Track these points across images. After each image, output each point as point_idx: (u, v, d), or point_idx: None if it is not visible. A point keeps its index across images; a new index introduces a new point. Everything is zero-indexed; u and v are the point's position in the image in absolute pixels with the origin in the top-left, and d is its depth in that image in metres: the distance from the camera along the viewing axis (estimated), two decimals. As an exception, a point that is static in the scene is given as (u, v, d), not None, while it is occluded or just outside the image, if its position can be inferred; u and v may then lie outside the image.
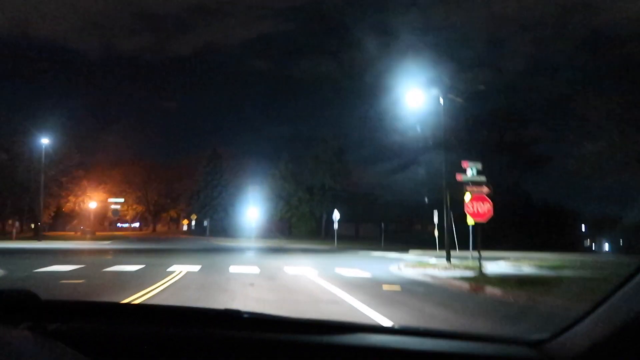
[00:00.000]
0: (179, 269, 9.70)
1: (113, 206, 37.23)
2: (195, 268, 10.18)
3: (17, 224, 31.93)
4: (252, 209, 39.00)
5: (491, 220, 10.77)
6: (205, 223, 42.16)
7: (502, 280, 8.22)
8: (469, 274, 9.71)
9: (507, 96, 38.45)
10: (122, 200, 37.87)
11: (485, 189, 11.53)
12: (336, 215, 30.47)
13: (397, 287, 8.10)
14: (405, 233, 40.12)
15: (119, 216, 38.57)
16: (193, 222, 43.94)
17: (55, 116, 32.24)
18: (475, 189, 11.32)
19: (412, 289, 8.09)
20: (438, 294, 7.80)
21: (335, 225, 30.56)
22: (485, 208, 10.63)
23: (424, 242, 30.09)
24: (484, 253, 10.72)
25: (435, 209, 23.25)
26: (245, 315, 1.16)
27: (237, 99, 63.64)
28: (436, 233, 22.17)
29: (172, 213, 57.04)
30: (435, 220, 22.78)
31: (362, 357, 1.01)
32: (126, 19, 60.06)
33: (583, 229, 42.85)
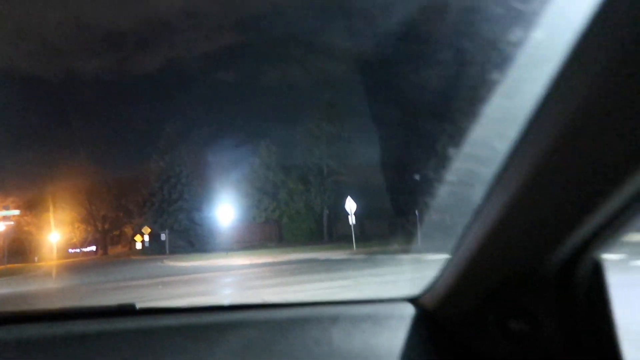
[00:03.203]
0: None
1: (2, 222, 26.54)
2: None
3: None
4: (227, 213, 28.94)
5: None
6: (163, 237, 31.69)
7: None
8: None
9: None
10: (16, 212, 27.19)
11: None
12: (351, 205, 20.89)
13: None
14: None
15: (13, 234, 27.87)
16: (146, 238, 33.21)
17: None
18: None
19: None
20: None
21: (352, 220, 20.96)
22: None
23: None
24: None
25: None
26: (139, 307, 1.25)
27: (204, 112, 57.75)
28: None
29: (128, 229, 46.45)
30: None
31: (244, 331, 1.15)
32: (86, 41, 54.37)
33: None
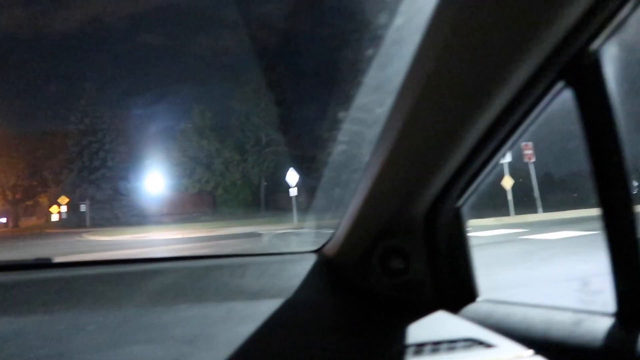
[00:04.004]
0: None
1: None
2: None
3: None
4: (156, 182, 27.07)
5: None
6: (83, 207, 29.18)
7: None
8: None
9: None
10: None
11: None
12: (293, 177, 20.04)
13: None
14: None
15: None
16: (63, 208, 30.45)
17: None
18: None
19: None
20: None
21: (293, 192, 20.19)
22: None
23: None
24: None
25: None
26: (56, 260, 1.34)
27: (132, 74, 52.70)
28: (507, 184, 12.41)
29: (43, 199, 42.65)
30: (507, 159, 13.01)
31: (161, 278, 1.24)
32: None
33: None
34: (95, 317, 1.04)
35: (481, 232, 9.57)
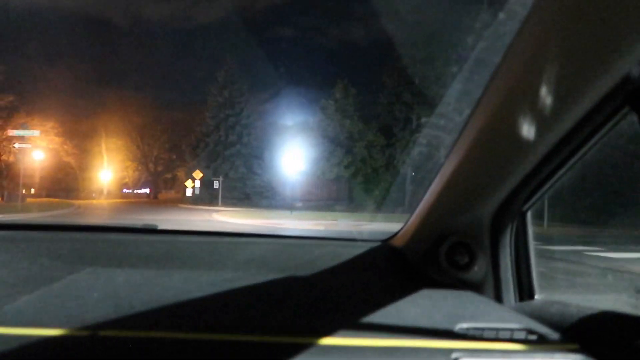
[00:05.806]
0: None
1: (18, 144, 22.15)
2: None
3: None
4: (292, 163, 25.01)
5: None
6: (216, 184, 28.37)
7: None
8: None
9: None
10: (34, 132, 22.87)
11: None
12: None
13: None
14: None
15: (26, 153, 22.20)
16: (197, 183, 30.06)
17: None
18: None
19: None
20: None
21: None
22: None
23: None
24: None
25: None
26: (160, 228, 1.62)
27: (273, 47, 57.13)
28: None
29: (181, 173, 44.27)
30: None
31: (249, 250, 1.50)
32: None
33: None
34: (201, 276, 1.28)
35: None
